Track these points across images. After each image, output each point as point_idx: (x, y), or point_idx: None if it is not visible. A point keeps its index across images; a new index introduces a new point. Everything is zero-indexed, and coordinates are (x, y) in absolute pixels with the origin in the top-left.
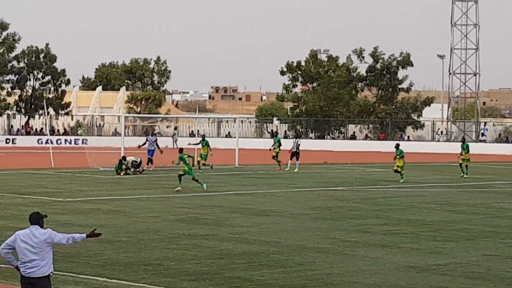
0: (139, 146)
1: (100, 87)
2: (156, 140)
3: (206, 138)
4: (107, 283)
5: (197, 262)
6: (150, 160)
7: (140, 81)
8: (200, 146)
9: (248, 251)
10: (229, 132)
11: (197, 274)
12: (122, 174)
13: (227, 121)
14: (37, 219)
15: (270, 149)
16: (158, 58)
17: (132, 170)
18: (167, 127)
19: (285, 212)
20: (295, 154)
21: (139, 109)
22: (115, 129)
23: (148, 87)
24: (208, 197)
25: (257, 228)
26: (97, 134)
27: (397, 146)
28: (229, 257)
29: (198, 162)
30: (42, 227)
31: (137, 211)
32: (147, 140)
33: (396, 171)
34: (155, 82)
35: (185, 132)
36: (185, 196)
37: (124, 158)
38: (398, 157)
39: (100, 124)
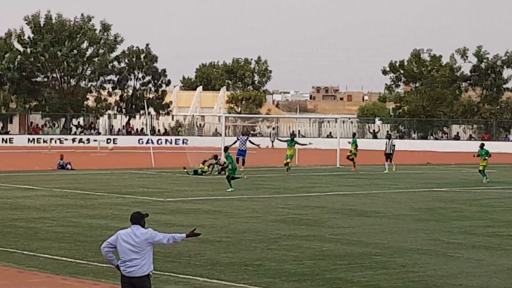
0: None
1: (201, 87)
2: (247, 139)
3: (295, 139)
4: (207, 283)
5: (298, 263)
6: (242, 161)
7: (241, 81)
8: (286, 145)
9: (350, 252)
10: (330, 133)
11: (298, 275)
12: (203, 172)
13: (328, 121)
14: (138, 219)
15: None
16: (259, 58)
17: (218, 169)
18: (268, 127)
19: (387, 213)
20: (389, 155)
21: (239, 109)
22: (216, 129)
23: (248, 87)
24: (309, 198)
25: (359, 229)
26: (197, 134)
27: (482, 146)
28: (331, 258)
29: (287, 163)
30: (143, 226)
31: (237, 211)
32: (237, 139)
33: (480, 171)
34: (256, 82)
35: (285, 132)
36: (286, 197)
37: (216, 156)
38: (482, 156)
39: (200, 124)
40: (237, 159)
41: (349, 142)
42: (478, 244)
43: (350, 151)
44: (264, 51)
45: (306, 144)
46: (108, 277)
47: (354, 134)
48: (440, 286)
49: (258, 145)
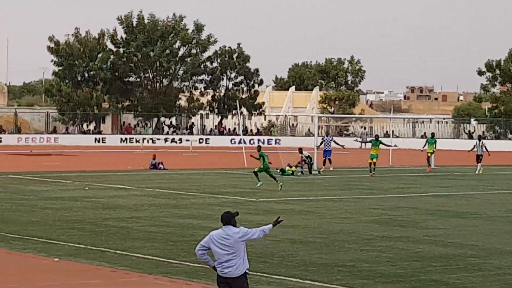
0: (318, 147)
1: (293, 87)
2: (332, 140)
3: (380, 138)
4: (300, 284)
5: (392, 264)
6: (329, 160)
7: (334, 81)
8: (370, 146)
9: (444, 253)
10: (424, 133)
11: (392, 277)
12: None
13: (422, 122)
14: (228, 219)
15: (421, 150)
16: (352, 57)
17: (300, 168)
18: (361, 127)
19: (483, 215)
20: (479, 156)
21: (332, 109)
22: (308, 129)
23: (341, 87)
24: (403, 199)
25: (454, 230)
26: (290, 134)
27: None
28: (425, 260)
29: (370, 164)
30: (234, 225)
31: (330, 211)
32: (323, 140)
33: None
34: (349, 82)
35: (379, 133)
36: (379, 197)
37: (300, 150)
38: None
39: (293, 124)
40: (324, 160)
41: (428, 142)
42: None
43: (428, 151)
44: (357, 50)
45: (390, 146)
46: (201, 277)
47: (433, 134)
48: None
49: (342, 146)
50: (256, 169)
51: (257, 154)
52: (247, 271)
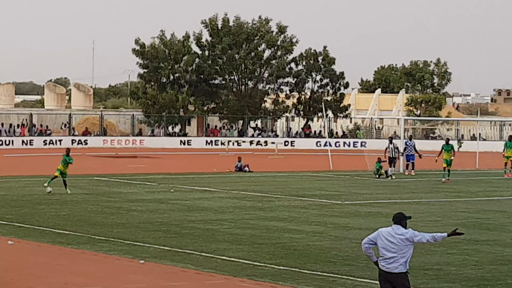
0: (402, 154)
1: (379, 89)
2: (414, 145)
3: (450, 142)
4: None
5: (478, 268)
6: (412, 164)
7: (420, 84)
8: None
9: None
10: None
11: (478, 280)
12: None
13: (510, 124)
14: (400, 219)
15: (503, 154)
16: (438, 60)
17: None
18: (448, 130)
19: None
20: None
21: (418, 111)
22: (394, 132)
23: (428, 90)
24: (490, 202)
25: None
26: (375, 137)
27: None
28: None
29: (445, 168)
30: (404, 227)
31: (416, 214)
32: (406, 145)
33: None
34: (435, 84)
35: (466, 135)
36: (466, 201)
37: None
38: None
39: (379, 127)
40: (407, 165)
41: (507, 146)
42: None
43: (507, 156)
44: (443, 53)
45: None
46: (286, 279)
47: (510, 137)
48: None
49: (419, 155)
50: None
51: None
52: (407, 271)
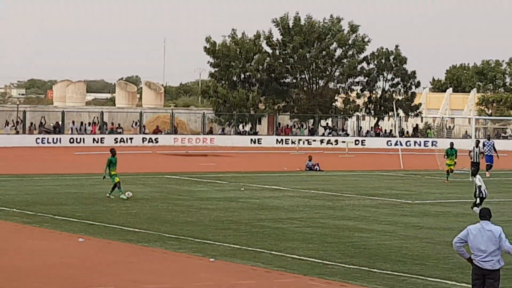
0: (482, 154)
1: (451, 89)
2: (493, 144)
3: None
4: (456, 286)
5: None
6: (488, 166)
7: (492, 83)
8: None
9: None
10: None
11: None
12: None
13: None
14: (486, 214)
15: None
16: (511, 59)
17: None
18: None
19: None
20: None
21: (490, 111)
22: (465, 132)
23: (499, 89)
24: None
25: None
26: (446, 136)
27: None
28: None
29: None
30: (490, 221)
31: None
32: (484, 145)
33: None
34: (507, 84)
35: None
36: None
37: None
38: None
39: (450, 126)
40: (487, 166)
41: None
42: None
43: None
44: None
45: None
46: (356, 278)
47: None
48: None
49: (496, 155)
50: None
51: None
52: (501, 267)
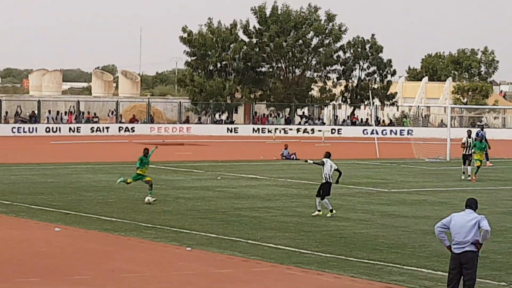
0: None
1: (426, 77)
2: (485, 135)
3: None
4: (432, 275)
5: None
6: (485, 156)
7: (467, 72)
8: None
9: None
10: None
11: None
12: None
13: None
14: (471, 204)
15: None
16: (486, 48)
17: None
18: (495, 118)
19: None
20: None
21: (465, 100)
22: (441, 120)
23: (475, 78)
24: None
25: None
26: (422, 125)
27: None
28: None
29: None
30: (475, 211)
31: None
32: (477, 134)
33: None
34: (482, 72)
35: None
36: None
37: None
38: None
39: (425, 115)
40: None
41: None
42: None
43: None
44: (491, 41)
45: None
46: (332, 267)
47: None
48: None
49: (488, 145)
50: None
51: None
52: (479, 254)
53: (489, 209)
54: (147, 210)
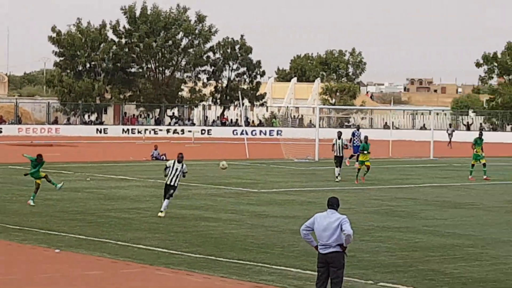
0: (346, 146)
1: (295, 78)
2: (360, 135)
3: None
4: (301, 274)
5: (391, 254)
6: (356, 156)
7: (335, 73)
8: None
9: (443, 244)
10: (424, 125)
11: (391, 267)
12: None
13: (422, 113)
14: (333, 204)
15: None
16: (353, 49)
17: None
18: (362, 118)
19: (480, 205)
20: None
21: (333, 100)
22: (310, 121)
23: (342, 79)
24: (402, 190)
25: (452, 221)
26: (291, 126)
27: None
28: (423, 250)
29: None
30: (337, 210)
31: None
32: (353, 135)
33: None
34: (350, 73)
35: (380, 124)
36: (379, 188)
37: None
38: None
39: (294, 116)
40: (357, 156)
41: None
42: None
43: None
44: (358, 43)
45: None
46: (202, 267)
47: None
48: None
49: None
50: None
51: None
52: (346, 253)
53: (356, 208)
54: (15, 212)
